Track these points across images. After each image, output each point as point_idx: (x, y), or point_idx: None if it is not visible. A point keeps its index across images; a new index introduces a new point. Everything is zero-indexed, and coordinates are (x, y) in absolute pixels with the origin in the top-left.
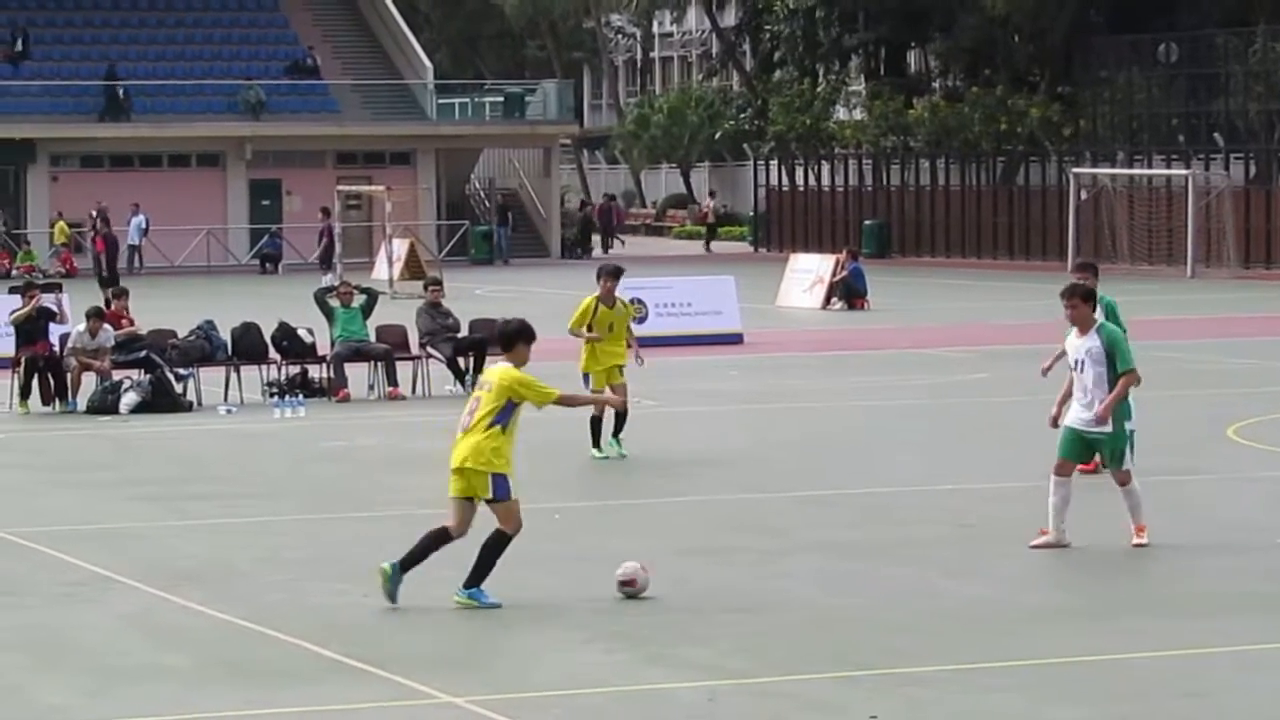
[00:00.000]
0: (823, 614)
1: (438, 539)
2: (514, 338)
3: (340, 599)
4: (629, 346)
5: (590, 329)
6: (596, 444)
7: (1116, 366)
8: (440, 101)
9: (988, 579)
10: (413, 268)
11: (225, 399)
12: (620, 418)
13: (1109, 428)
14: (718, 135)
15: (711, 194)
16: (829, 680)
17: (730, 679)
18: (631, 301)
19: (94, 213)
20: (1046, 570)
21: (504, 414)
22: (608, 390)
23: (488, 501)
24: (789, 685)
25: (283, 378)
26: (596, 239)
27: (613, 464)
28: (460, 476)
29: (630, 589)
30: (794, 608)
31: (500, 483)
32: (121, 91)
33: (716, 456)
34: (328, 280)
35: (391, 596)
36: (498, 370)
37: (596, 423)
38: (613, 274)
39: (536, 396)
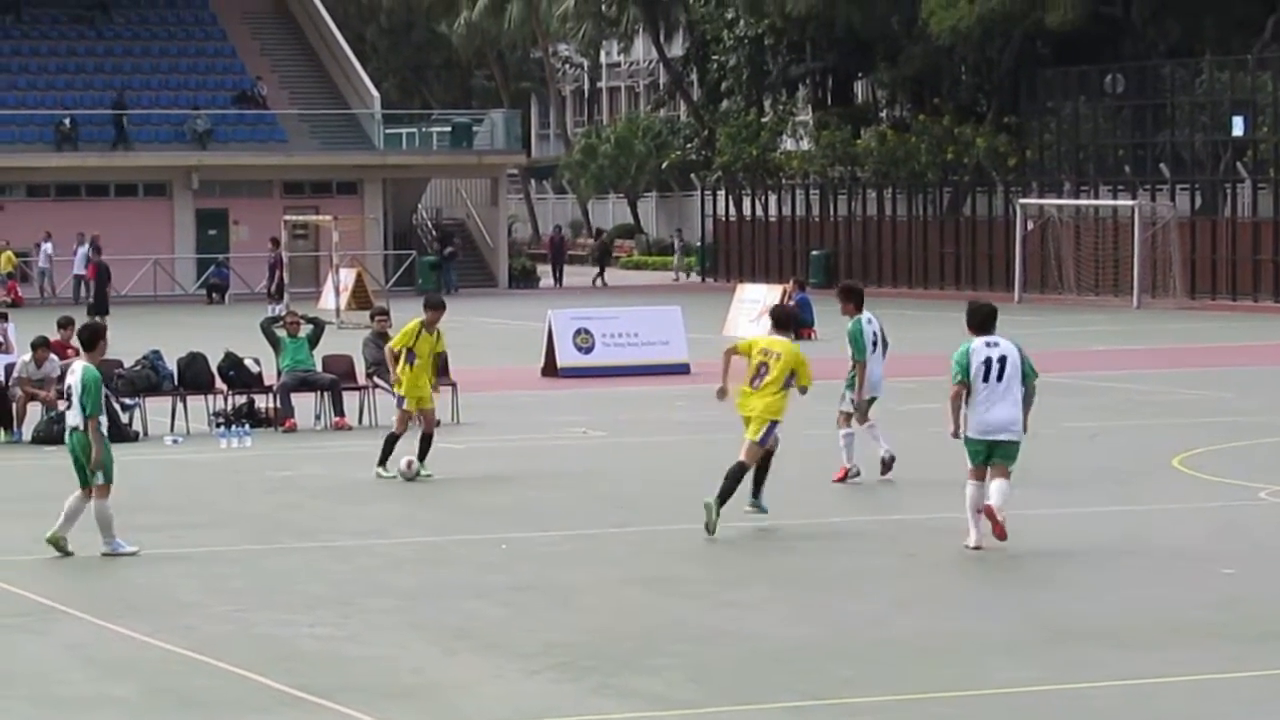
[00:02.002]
0: (771, 644)
1: (738, 472)
2: (792, 320)
3: (287, 629)
4: (437, 378)
5: (410, 356)
6: (383, 463)
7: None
8: (387, 131)
9: (936, 609)
10: (359, 297)
11: (171, 429)
12: (425, 441)
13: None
14: (665, 165)
15: None
16: (778, 710)
17: (678, 709)
18: (577, 333)
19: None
20: (995, 600)
21: (789, 380)
22: (418, 415)
23: (754, 441)
24: (737, 715)
25: (229, 408)
26: (543, 269)
27: (560, 494)
28: (752, 423)
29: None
30: (742, 638)
31: (772, 429)
32: (69, 121)
33: (664, 487)
34: (274, 310)
35: (710, 528)
36: (784, 343)
37: (392, 441)
38: (437, 305)
39: (808, 378)
